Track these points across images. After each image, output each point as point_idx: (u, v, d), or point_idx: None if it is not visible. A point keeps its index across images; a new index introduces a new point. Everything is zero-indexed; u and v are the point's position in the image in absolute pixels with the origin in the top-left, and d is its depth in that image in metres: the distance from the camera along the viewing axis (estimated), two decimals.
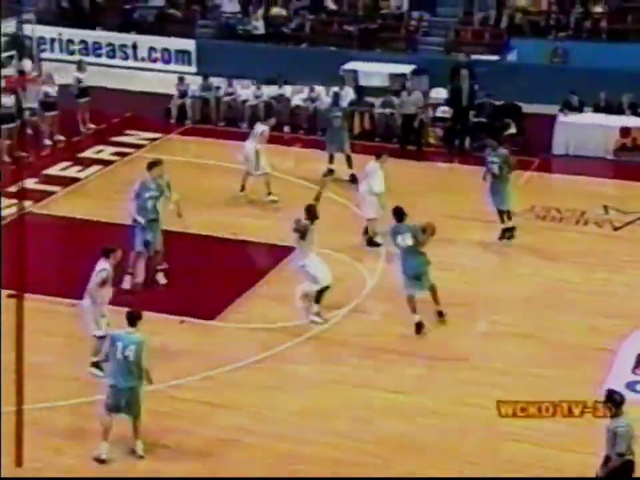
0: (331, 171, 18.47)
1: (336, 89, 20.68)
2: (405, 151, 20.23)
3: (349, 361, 12.62)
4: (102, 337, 11.55)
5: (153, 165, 14.61)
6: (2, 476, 9.97)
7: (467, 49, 23.78)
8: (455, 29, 24.97)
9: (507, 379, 12.03)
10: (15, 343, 10.09)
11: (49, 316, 13.32)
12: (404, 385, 11.98)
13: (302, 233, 13.48)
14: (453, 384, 12.04)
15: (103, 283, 11.90)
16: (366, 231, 15.81)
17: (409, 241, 13.26)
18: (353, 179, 17.99)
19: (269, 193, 17.17)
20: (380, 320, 13.74)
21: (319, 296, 13.52)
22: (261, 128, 17.39)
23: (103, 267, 11.95)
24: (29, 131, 20.67)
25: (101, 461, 10.41)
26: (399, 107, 20.80)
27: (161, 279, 14.55)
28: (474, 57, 23.01)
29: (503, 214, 15.91)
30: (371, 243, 15.74)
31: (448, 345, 13.00)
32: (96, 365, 11.82)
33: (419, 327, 13.17)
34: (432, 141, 20.95)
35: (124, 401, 10.45)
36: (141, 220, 14.13)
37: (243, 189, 17.25)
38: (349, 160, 18.54)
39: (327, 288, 13.53)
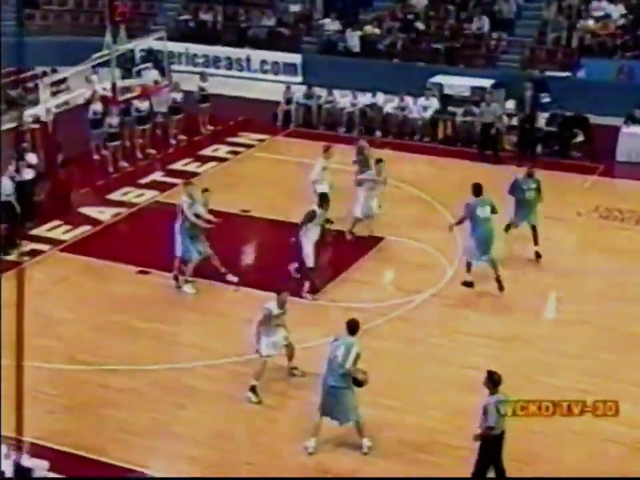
0: None
1: None
2: (483, 155, 19.81)
3: (429, 340, 12.39)
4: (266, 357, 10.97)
5: (187, 183, 14.28)
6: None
7: (540, 67, 23.32)
8: (530, 47, 24.29)
9: (574, 362, 11.63)
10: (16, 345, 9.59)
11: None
12: (479, 362, 11.68)
13: (310, 217, 13.35)
14: (524, 363, 11.69)
15: (266, 319, 11.01)
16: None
17: (487, 212, 13.43)
18: None
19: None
20: (458, 304, 13.46)
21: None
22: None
23: (267, 306, 11.08)
24: (159, 132, 20.94)
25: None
26: (479, 116, 20.37)
27: (231, 277, 13.97)
28: (548, 73, 22.58)
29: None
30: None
31: (520, 328, 12.65)
32: (253, 389, 10.95)
33: (469, 285, 13.54)
34: (507, 147, 20.48)
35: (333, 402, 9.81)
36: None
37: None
38: None
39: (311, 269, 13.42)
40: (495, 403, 8.93)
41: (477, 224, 13.49)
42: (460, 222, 14.04)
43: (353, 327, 10.07)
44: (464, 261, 13.88)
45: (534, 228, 14.74)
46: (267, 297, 13.24)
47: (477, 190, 13.66)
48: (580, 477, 9.59)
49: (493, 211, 13.56)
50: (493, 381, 9.05)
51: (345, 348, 9.88)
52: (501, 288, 13.49)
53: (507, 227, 15.03)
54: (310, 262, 13.43)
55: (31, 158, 16.50)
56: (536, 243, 14.67)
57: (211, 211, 14.14)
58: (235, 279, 13.92)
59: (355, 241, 15.50)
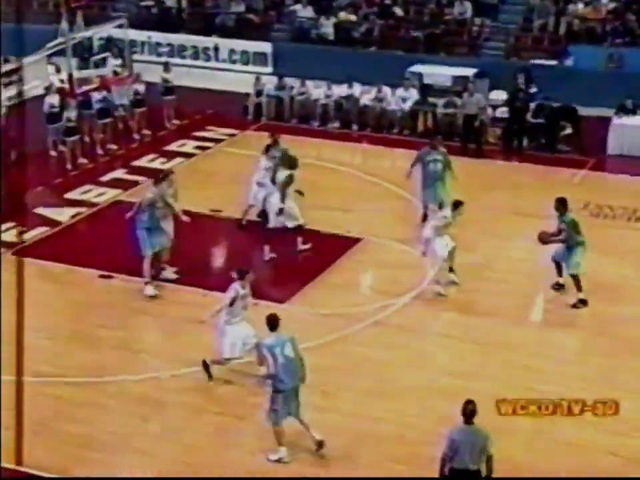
0: None
1: None
2: (465, 149, 19.95)
3: (411, 346, 12.46)
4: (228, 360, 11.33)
5: (164, 177, 14.27)
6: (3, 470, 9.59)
7: (526, 54, 23.47)
8: (515, 34, 24.50)
9: (564, 367, 11.75)
10: (16, 347, 9.82)
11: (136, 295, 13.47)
12: (463, 369, 11.79)
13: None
14: (512, 369, 11.80)
15: (232, 303, 11.36)
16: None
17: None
18: None
19: None
20: (442, 308, 13.55)
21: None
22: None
23: (235, 287, 11.37)
24: (120, 126, 20.86)
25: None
26: (461, 108, 20.51)
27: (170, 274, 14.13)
28: (534, 61, 22.72)
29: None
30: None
31: (505, 332, 12.76)
32: (205, 366, 11.40)
33: (584, 302, 13.35)
34: (491, 139, 20.65)
35: (294, 404, 10.03)
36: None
37: None
38: None
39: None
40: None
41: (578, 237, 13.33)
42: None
43: (274, 323, 10.19)
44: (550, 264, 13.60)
45: (440, 205, 14.94)
46: None
47: (566, 204, 13.34)
48: (580, 477, 9.76)
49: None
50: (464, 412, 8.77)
51: (291, 345, 10.07)
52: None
53: (424, 216, 15.43)
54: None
55: None
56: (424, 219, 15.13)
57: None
58: (174, 277, 13.95)
59: (330, 241, 15.55)
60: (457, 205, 13.91)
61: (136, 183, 17.79)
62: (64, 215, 16.63)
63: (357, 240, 15.59)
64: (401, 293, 13.72)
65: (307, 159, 17.70)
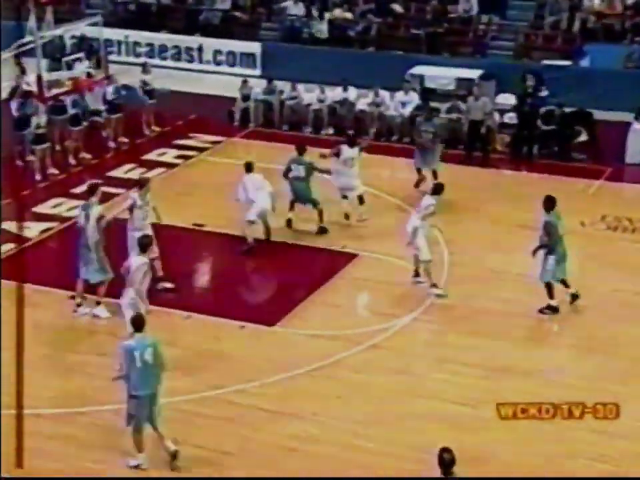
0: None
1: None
2: (471, 157, 20.09)
3: (411, 371, 12.54)
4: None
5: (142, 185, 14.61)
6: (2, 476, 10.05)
7: (536, 54, 23.61)
8: (524, 33, 24.70)
9: (579, 394, 11.77)
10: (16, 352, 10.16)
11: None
12: (467, 396, 11.87)
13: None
14: (522, 398, 11.84)
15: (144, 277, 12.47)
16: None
17: (563, 225, 13.82)
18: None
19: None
20: (444, 329, 13.65)
21: None
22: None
23: (143, 261, 12.50)
24: (94, 133, 20.96)
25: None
26: (466, 113, 20.64)
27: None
28: (545, 62, 22.86)
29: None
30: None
31: (516, 357, 12.84)
32: None
33: (554, 309, 13.79)
34: (499, 147, 20.78)
35: (147, 410, 10.40)
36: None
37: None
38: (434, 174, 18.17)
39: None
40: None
41: (557, 242, 13.70)
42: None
43: (140, 324, 10.58)
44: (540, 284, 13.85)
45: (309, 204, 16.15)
46: (222, 323, 13.45)
47: (550, 202, 13.88)
48: (579, 476, 9.95)
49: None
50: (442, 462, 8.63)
51: (153, 350, 10.37)
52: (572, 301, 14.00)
53: (288, 222, 16.23)
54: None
55: None
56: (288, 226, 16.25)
57: (157, 225, 14.27)
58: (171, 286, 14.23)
59: (324, 257, 15.66)
60: (438, 189, 14.55)
61: (112, 196, 17.86)
62: (32, 230, 16.66)
63: (353, 256, 15.69)
64: (400, 313, 13.81)
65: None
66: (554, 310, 13.88)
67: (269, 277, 14.97)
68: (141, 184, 14.72)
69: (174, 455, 10.49)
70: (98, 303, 13.87)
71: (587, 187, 18.75)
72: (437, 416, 11.51)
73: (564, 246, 13.85)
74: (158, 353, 10.42)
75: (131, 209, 14.32)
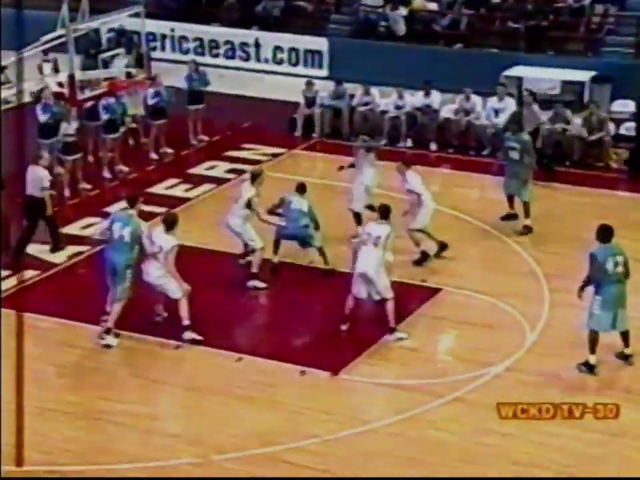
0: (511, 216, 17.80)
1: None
2: (580, 175, 20.01)
3: (503, 430, 12.46)
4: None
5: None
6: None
7: None
8: None
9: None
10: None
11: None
12: (571, 460, 11.75)
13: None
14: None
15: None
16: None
17: (620, 267, 13.36)
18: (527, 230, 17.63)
19: None
20: (542, 382, 13.54)
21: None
22: None
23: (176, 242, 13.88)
24: (132, 142, 21.33)
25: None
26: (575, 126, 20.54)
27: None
28: None
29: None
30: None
31: (634, 417, 12.63)
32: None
33: (591, 368, 13.46)
34: (613, 164, 20.66)
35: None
36: None
37: None
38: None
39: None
40: None
41: (605, 281, 13.36)
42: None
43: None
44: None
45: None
46: (278, 367, 13.51)
47: (606, 233, 13.52)
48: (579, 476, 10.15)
49: (626, 267, 13.41)
50: None
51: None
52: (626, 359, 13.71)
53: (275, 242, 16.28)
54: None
55: None
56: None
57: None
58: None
59: (400, 292, 15.66)
60: (385, 212, 14.55)
61: (153, 215, 18.11)
62: (60, 254, 16.97)
63: (435, 291, 15.69)
64: (490, 361, 13.76)
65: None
66: (590, 369, 13.49)
67: (333, 314, 14.98)
68: (253, 176, 15.87)
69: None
70: (108, 331, 14.04)
71: None
72: None
73: (618, 289, 13.41)
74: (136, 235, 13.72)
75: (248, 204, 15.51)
